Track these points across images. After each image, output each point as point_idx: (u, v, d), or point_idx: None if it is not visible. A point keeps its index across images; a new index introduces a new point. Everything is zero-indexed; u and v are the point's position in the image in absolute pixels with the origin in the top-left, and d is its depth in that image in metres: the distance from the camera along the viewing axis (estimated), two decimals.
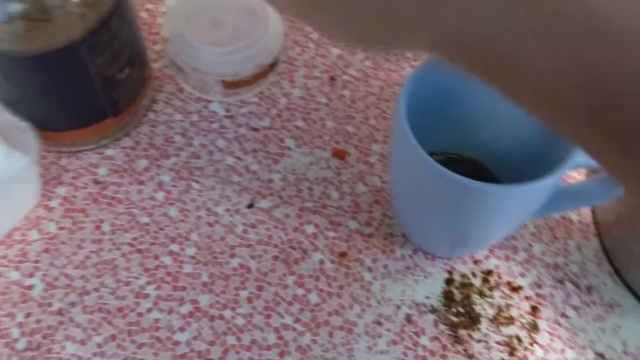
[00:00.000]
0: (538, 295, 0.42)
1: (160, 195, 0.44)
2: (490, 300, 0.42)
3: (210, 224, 0.43)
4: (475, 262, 0.43)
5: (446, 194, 0.34)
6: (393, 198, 0.42)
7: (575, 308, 0.42)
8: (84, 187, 0.44)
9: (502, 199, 0.33)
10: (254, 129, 0.47)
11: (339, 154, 0.46)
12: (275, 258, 0.42)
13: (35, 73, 0.37)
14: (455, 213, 0.36)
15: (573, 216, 0.45)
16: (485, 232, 0.38)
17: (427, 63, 0.36)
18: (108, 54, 0.39)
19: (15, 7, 0.34)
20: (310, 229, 0.43)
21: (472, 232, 0.38)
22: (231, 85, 0.46)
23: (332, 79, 0.50)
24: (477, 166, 0.42)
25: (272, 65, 0.47)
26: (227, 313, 0.40)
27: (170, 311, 0.40)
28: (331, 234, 0.43)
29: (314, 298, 0.41)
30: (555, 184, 0.34)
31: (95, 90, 0.40)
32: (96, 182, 0.44)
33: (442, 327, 0.40)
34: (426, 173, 0.33)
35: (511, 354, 0.40)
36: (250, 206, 0.44)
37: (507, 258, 0.43)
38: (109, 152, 0.45)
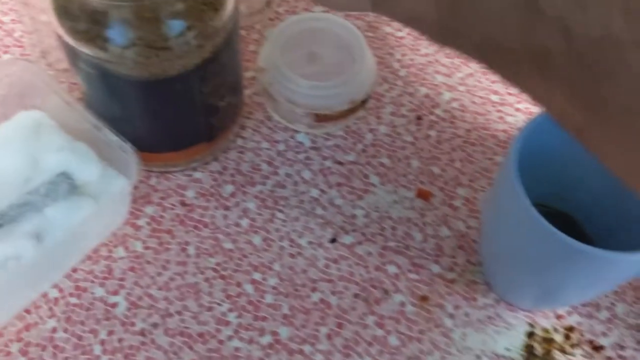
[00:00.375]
0: (620, 356, 0.41)
1: (245, 222, 0.44)
2: (571, 357, 0.41)
3: (292, 256, 0.43)
4: (558, 317, 0.42)
5: (547, 252, 0.33)
6: (482, 245, 0.42)
7: None
8: (172, 208, 0.44)
9: (605, 264, 0.33)
10: (339, 163, 0.47)
11: (424, 195, 0.46)
12: (356, 296, 0.42)
13: (145, 97, 0.38)
14: (550, 271, 0.35)
15: None
16: (577, 293, 0.37)
17: (537, 118, 0.35)
18: (215, 83, 0.39)
19: (135, 34, 0.35)
20: (392, 269, 0.43)
21: (563, 291, 0.37)
22: (321, 119, 0.46)
23: (419, 118, 0.50)
24: (570, 222, 0.42)
25: (364, 102, 0.47)
26: (307, 348, 0.40)
27: (251, 341, 0.40)
28: (413, 276, 0.43)
29: (393, 340, 0.40)
30: None
31: (197, 116, 0.40)
32: (183, 204, 0.44)
33: None
34: (532, 229, 0.33)
35: None
36: (333, 241, 0.44)
37: (589, 315, 0.42)
38: (197, 174, 0.45)
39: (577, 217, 0.42)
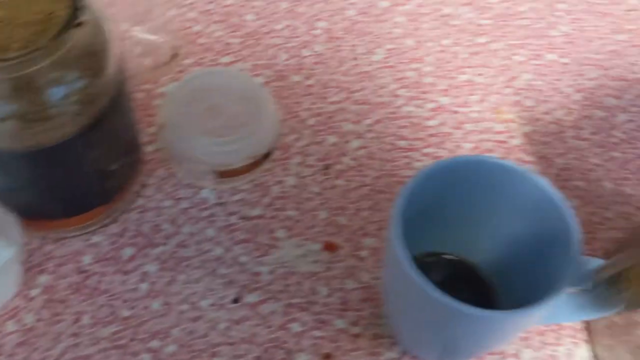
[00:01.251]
0: None
1: (144, 287, 0.43)
2: None
3: (193, 320, 0.42)
4: None
5: (436, 313, 0.33)
6: (385, 301, 0.41)
7: None
8: (67, 276, 0.43)
9: (494, 323, 0.32)
10: (245, 218, 0.46)
11: (330, 247, 0.46)
12: (257, 358, 0.41)
13: (27, 167, 0.37)
14: (445, 329, 0.35)
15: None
16: (476, 348, 0.37)
17: (426, 170, 0.35)
18: (103, 148, 0.38)
19: (11, 108, 0.34)
20: (296, 327, 0.42)
21: (462, 346, 0.37)
22: (224, 175, 0.46)
23: (327, 167, 0.49)
24: (470, 270, 0.41)
25: (266, 155, 0.47)
26: None
27: None
28: (317, 333, 0.42)
29: None
30: (551, 306, 0.33)
31: (87, 182, 0.39)
32: (80, 271, 0.43)
33: None
34: (418, 294, 0.32)
35: None
36: (236, 301, 0.43)
37: None
38: (95, 238, 0.44)
39: (483, 268, 0.42)
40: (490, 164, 0.36)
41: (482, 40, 0.57)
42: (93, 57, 0.35)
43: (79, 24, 0.33)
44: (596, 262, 0.34)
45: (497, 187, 0.37)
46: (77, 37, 0.34)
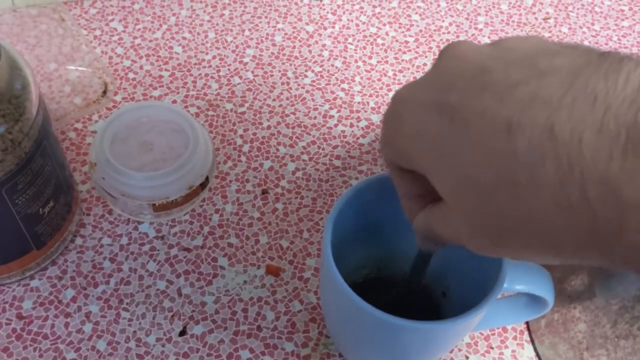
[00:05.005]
0: None
1: (88, 327, 0.42)
2: None
3: (140, 356, 0.41)
4: None
5: (372, 328, 0.34)
6: (327, 321, 0.42)
7: None
8: (8, 324, 0.42)
9: (432, 334, 0.33)
10: (186, 249, 0.46)
11: (273, 271, 0.46)
12: None
13: None
14: (386, 344, 0.35)
15: None
16: (422, 358, 0.38)
17: (357, 186, 0.36)
18: (30, 192, 0.38)
19: None
20: (245, 354, 0.42)
21: (405, 357, 0.37)
22: (161, 208, 0.46)
23: (265, 192, 0.50)
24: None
25: (203, 185, 0.47)
26: None
27: None
28: (267, 358, 0.42)
29: None
30: (482, 313, 0.34)
31: (17, 228, 0.39)
32: (20, 317, 0.42)
33: None
34: (352, 310, 0.33)
35: None
36: (182, 333, 0.43)
37: None
38: (34, 283, 0.44)
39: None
40: None
41: (407, 57, 0.59)
42: (12, 103, 0.35)
43: None
44: (524, 266, 0.36)
45: None
46: None
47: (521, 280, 0.36)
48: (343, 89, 0.56)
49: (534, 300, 0.38)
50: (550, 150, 0.21)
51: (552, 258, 0.23)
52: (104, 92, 0.53)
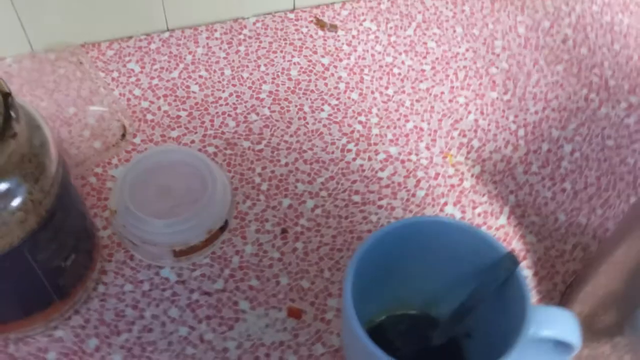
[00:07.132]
0: None
1: None
2: None
3: None
4: None
5: None
6: None
7: None
8: None
9: None
10: (207, 293, 0.46)
11: (295, 314, 0.46)
12: None
13: None
14: None
15: None
16: None
17: (376, 234, 0.36)
18: (52, 248, 0.38)
19: None
20: None
21: None
22: (182, 253, 0.46)
23: (284, 231, 0.50)
24: (432, 324, 0.42)
25: (222, 228, 0.47)
26: None
27: None
28: None
29: None
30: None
31: (40, 282, 0.39)
32: None
33: None
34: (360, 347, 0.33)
35: None
36: None
37: None
38: (58, 333, 0.44)
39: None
40: (427, 223, 0.37)
41: (424, 85, 0.58)
42: (31, 162, 0.35)
43: (14, 135, 0.33)
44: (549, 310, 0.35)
45: (441, 243, 0.37)
46: (12, 147, 0.33)
47: (547, 325, 0.35)
48: (360, 122, 0.56)
49: (561, 343, 0.37)
50: None
51: None
52: (123, 135, 0.53)
